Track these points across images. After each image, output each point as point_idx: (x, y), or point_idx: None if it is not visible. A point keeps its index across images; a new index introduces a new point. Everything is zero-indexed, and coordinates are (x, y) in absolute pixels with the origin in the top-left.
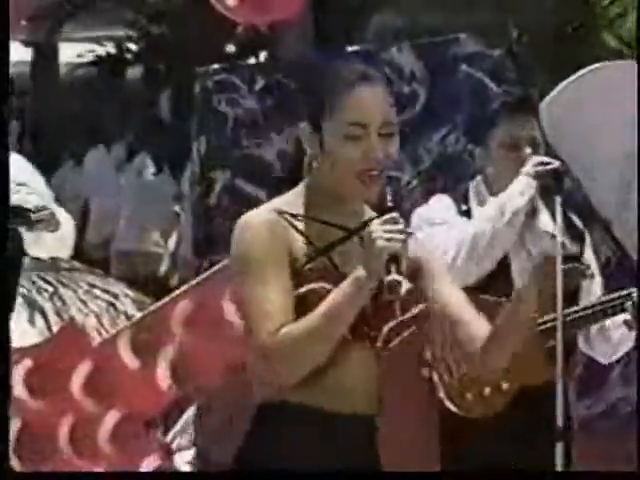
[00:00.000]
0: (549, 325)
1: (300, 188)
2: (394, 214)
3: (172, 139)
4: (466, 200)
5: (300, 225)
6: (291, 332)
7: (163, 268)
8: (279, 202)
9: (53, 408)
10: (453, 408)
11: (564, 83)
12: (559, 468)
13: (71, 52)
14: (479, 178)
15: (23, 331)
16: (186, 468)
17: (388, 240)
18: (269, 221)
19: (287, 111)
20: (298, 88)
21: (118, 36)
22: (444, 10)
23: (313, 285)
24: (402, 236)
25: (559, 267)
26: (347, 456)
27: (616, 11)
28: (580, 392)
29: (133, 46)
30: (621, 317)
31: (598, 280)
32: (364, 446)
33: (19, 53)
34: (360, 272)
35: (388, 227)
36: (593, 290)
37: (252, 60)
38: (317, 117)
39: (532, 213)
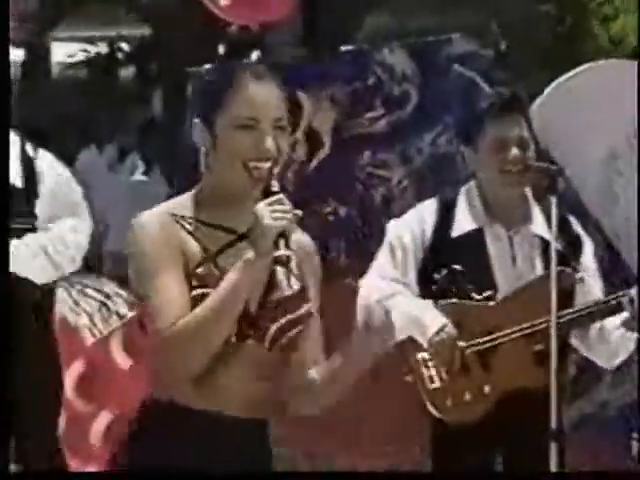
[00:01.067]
0: (539, 328)
1: (192, 192)
2: (280, 195)
3: (164, 139)
4: (452, 205)
5: (191, 227)
6: (186, 321)
7: None
8: (171, 204)
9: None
10: (436, 413)
11: (555, 83)
12: (553, 469)
13: (63, 52)
14: (472, 183)
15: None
16: None
17: (275, 219)
18: (162, 221)
19: None
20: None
21: (110, 36)
22: (436, 10)
23: (200, 290)
24: (289, 215)
25: (554, 269)
26: (231, 459)
27: (607, 12)
28: (571, 393)
29: (125, 46)
30: (618, 319)
31: (597, 283)
32: (251, 450)
33: (10, 53)
34: (249, 254)
35: (275, 207)
36: (592, 292)
37: (243, 60)
38: (210, 113)
39: (525, 219)
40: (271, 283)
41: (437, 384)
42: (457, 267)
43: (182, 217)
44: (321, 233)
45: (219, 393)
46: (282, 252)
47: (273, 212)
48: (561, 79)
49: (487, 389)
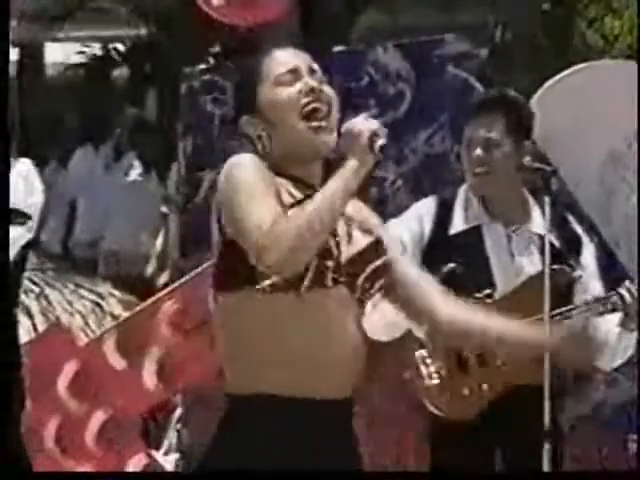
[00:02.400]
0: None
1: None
2: (366, 114)
3: (158, 140)
4: (451, 203)
5: (277, 179)
6: (285, 220)
7: (150, 268)
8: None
9: (39, 408)
10: (433, 410)
11: (551, 82)
12: (546, 469)
13: (58, 53)
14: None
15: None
16: (171, 468)
17: (365, 123)
18: (257, 161)
19: None
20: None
21: (104, 36)
22: (430, 10)
23: None
24: (377, 122)
25: (547, 269)
26: (321, 448)
27: (596, 10)
28: (568, 393)
29: (120, 46)
30: (617, 319)
31: (596, 282)
32: (339, 434)
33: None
34: (351, 162)
35: (364, 119)
36: (590, 291)
37: (237, 60)
38: (250, 97)
39: (524, 217)
40: (351, 237)
41: (435, 381)
42: (455, 265)
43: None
44: None
45: (308, 377)
46: (381, 142)
47: (362, 120)
48: (557, 78)
49: (485, 386)
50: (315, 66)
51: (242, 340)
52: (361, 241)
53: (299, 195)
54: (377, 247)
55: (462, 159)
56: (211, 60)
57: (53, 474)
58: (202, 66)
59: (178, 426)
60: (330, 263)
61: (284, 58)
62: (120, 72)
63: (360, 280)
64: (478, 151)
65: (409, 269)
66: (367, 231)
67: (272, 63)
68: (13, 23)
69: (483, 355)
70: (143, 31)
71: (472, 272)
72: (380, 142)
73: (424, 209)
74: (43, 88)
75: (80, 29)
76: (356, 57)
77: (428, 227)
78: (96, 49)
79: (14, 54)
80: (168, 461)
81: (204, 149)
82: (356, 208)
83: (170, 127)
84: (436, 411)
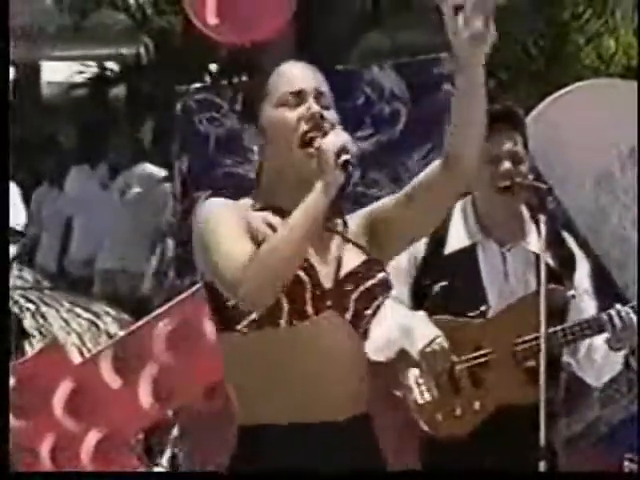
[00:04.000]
0: (530, 345)
1: (250, 196)
2: (338, 129)
3: (154, 159)
4: (445, 223)
5: (256, 214)
6: (258, 252)
7: (145, 287)
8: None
9: (34, 427)
10: (425, 428)
11: (546, 101)
12: None
13: (54, 71)
14: (467, 199)
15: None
16: None
17: (334, 139)
18: (229, 202)
19: None
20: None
21: (101, 55)
22: (426, 29)
23: None
24: (346, 136)
25: (543, 287)
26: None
27: (594, 29)
28: (561, 411)
29: (116, 65)
30: (604, 337)
31: (591, 301)
32: (361, 451)
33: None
34: (318, 185)
35: (334, 136)
36: (585, 310)
37: (235, 79)
38: (252, 109)
39: (519, 235)
40: (340, 260)
41: (428, 399)
42: (449, 283)
43: (246, 209)
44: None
45: (313, 401)
46: (345, 157)
47: (333, 138)
48: (552, 97)
49: (477, 405)
50: (323, 88)
51: (239, 375)
52: (354, 260)
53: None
54: (370, 265)
55: (483, 174)
56: (207, 78)
57: (59, 473)
58: (197, 85)
59: (174, 447)
60: (307, 293)
61: (292, 77)
62: (117, 91)
63: (351, 301)
64: (507, 164)
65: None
66: (363, 248)
67: (279, 80)
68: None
69: (476, 374)
70: (139, 49)
71: (465, 290)
72: (344, 157)
73: None
74: (39, 107)
75: (76, 48)
76: (352, 76)
77: (423, 246)
78: (92, 68)
79: (10, 73)
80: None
81: (199, 168)
82: (354, 227)
83: (165, 146)
84: (429, 429)
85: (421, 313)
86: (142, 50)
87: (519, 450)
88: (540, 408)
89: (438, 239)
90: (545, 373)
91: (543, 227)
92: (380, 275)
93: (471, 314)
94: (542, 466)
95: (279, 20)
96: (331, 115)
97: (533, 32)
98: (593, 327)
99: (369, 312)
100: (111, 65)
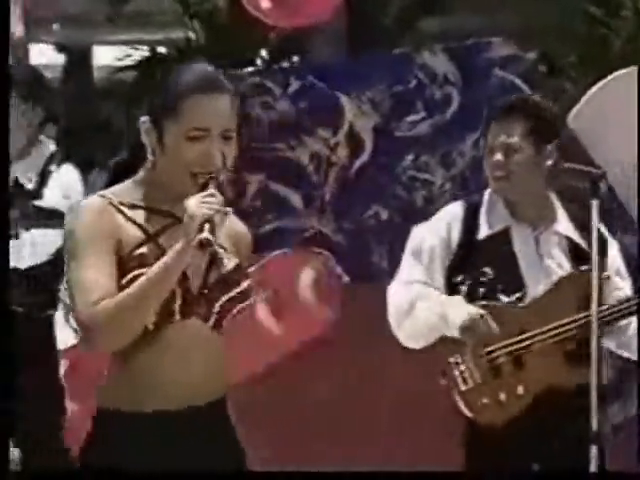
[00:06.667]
0: (569, 328)
1: (134, 179)
2: (212, 190)
3: None
4: (478, 207)
5: (130, 212)
6: (110, 302)
7: None
8: (110, 191)
9: (87, 409)
10: (469, 414)
11: (594, 89)
12: (593, 470)
13: (105, 55)
14: None
15: (62, 332)
16: None
17: (200, 208)
18: (97, 207)
19: (320, 113)
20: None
21: (151, 40)
22: (478, 13)
23: (139, 270)
24: (217, 206)
25: (595, 270)
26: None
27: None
28: (610, 395)
29: (167, 49)
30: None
31: (626, 281)
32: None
33: (52, 57)
34: (178, 244)
35: (205, 199)
36: (620, 290)
37: (286, 63)
38: (158, 115)
39: (549, 219)
40: (210, 267)
41: (470, 385)
42: (485, 269)
43: (121, 202)
44: (362, 237)
45: (164, 387)
46: (204, 235)
47: (201, 203)
48: (599, 84)
49: (520, 390)
50: (229, 123)
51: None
52: (226, 267)
53: (154, 227)
54: (238, 273)
55: (484, 164)
56: (258, 62)
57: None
58: (249, 69)
59: None
60: (177, 299)
61: (204, 112)
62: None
63: (216, 308)
64: (498, 156)
65: None
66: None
67: (192, 112)
68: (56, 26)
69: (518, 359)
70: (190, 34)
71: (502, 275)
72: (202, 236)
73: (451, 215)
74: (89, 92)
75: (126, 33)
76: (404, 60)
77: (456, 233)
78: (143, 52)
79: (59, 58)
80: None
81: (251, 151)
82: (231, 230)
83: None
84: (472, 416)
85: (457, 297)
86: (192, 35)
87: (564, 435)
88: (591, 392)
89: (471, 225)
90: (594, 354)
91: (595, 212)
92: (246, 282)
93: (509, 299)
94: (593, 451)
95: (330, 4)
96: (230, 152)
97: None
98: (631, 307)
99: (232, 312)
100: (161, 49)
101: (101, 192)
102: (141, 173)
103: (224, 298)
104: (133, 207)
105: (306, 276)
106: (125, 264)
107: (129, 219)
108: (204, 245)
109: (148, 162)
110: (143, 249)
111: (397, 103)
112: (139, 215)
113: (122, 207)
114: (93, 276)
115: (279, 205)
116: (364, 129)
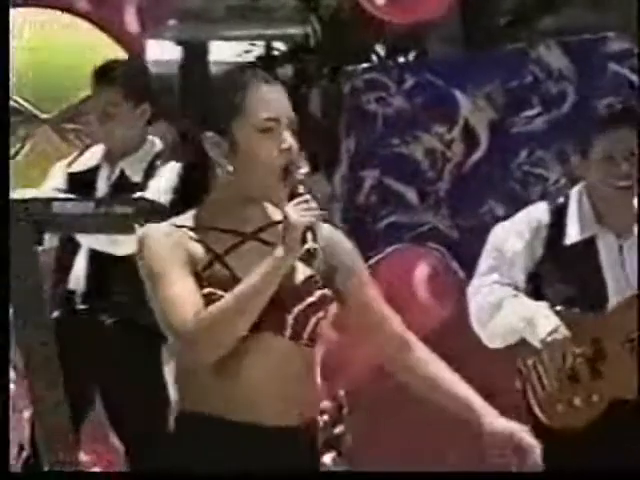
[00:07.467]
0: None
1: (197, 207)
2: (306, 196)
3: (323, 139)
4: (563, 210)
5: (194, 234)
6: (208, 313)
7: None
8: (176, 219)
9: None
10: (544, 419)
11: None
12: None
13: (221, 51)
14: (581, 187)
15: None
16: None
17: (302, 216)
18: (166, 232)
19: (436, 109)
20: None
21: (268, 35)
22: (593, 9)
23: (209, 289)
24: (316, 212)
25: None
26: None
27: None
28: None
29: (283, 46)
30: None
31: None
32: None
33: (170, 52)
34: (278, 251)
35: (301, 206)
36: None
37: (401, 59)
38: (222, 120)
39: (632, 226)
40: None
41: (548, 389)
42: (569, 276)
43: (183, 226)
44: (478, 232)
45: (248, 398)
46: (310, 245)
47: (301, 210)
48: None
49: (595, 397)
50: (292, 114)
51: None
52: (299, 276)
53: (221, 248)
54: (311, 283)
55: (593, 169)
56: (374, 58)
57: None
58: (365, 65)
59: (341, 427)
60: None
61: (269, 101)
62: (283, 71)
63: (290, 320)
64: (625, 166)
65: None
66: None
67: (257, 103)
68: (173, 22)
69: (594, 367)
70: (307, 30)
71: (586, 282)
72: (308, 246)
73: (537, 220)
74: (206, 87)
75: (244, 28)
76: (520, 56)
77: (542, 239)
78: (260, 47)
79: (177, 52)
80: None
81: (367, 147)
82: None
83: (332, 126)
84: (545, 420)
85: (543, 304)
86: (310, 30)
87: (635, 445)
88: None
89: (557, 230)
90: None
91: None
92: (321, 292)
93: (591, 306)
94: None
95: (445, 0)
96: (296, 144)
97: None
98: None
99: (309, 327)
100: (278, 45)
101: (164, 223)
102: (207, 196)
103: (296, 309)
104: (199, 230)
105: (421, 272)
106: (199, 281)
107: (195, 240)
108: (311, 255)
109: (216, 182)
110: (211, 269)
111: (512, 99)
112: (204, 235)
113: (188, 231)
114: (181, 292)
115: (394, 201)
116: (479, 125)
